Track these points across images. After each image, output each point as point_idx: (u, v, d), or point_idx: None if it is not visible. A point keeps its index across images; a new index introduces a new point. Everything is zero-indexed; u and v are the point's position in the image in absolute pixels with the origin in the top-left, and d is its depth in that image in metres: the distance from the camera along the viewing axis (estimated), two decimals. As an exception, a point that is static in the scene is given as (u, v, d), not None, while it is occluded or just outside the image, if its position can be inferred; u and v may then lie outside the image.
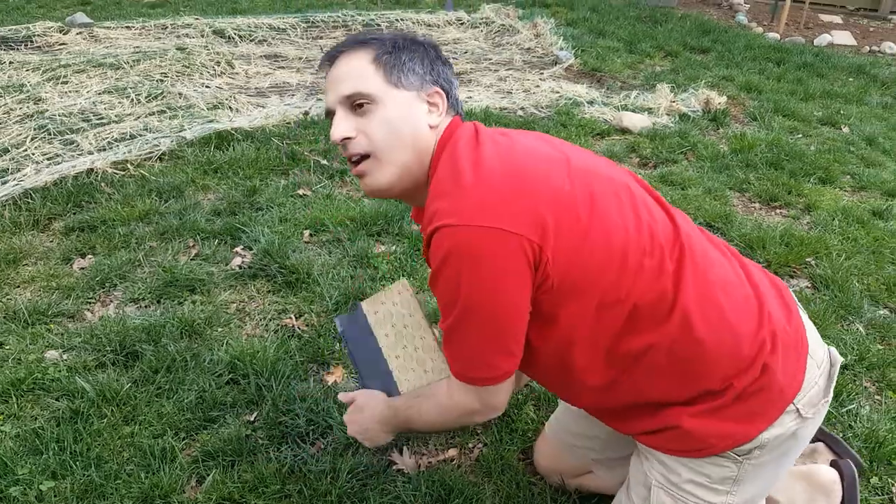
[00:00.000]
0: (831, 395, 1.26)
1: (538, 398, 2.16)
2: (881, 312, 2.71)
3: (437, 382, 1.39)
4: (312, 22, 5.81)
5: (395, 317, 1.46)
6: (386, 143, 1.17)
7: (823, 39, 6.95)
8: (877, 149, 4.30)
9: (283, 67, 4.86)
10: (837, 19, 8.06)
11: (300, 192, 3.25)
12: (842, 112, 4.83)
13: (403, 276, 2.69)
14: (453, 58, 5.33)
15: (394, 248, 2.86)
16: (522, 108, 4.46)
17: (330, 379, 2.19)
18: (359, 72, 1.17)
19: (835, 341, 2.45)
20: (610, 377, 1.21)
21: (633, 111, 4.47)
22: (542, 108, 4.51)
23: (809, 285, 2.83)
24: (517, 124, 4.16)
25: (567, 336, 1.17)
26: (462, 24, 6.19)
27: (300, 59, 5.03)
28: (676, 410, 1.21)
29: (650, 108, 4.55)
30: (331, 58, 1.23)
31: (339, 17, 5.92)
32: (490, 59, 5.36)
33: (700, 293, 1.16)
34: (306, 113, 4.00)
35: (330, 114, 1.22)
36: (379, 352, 1.48)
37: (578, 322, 1.15)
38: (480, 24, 6.21)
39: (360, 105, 1.17)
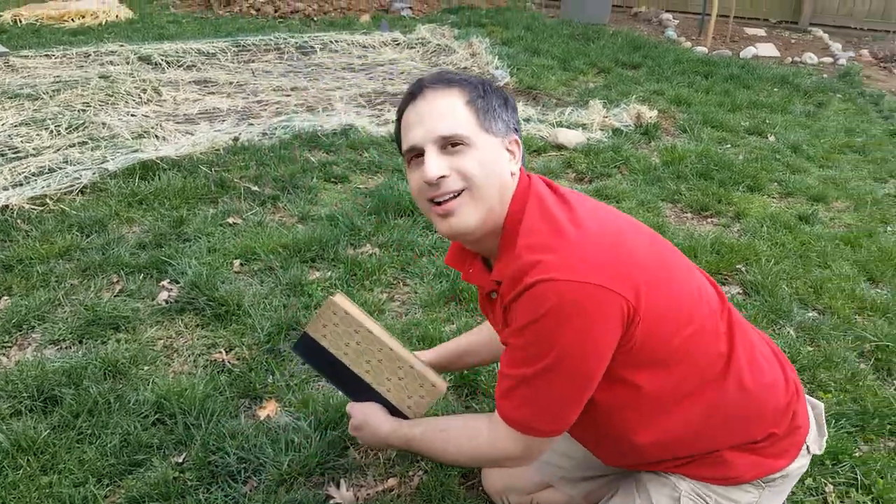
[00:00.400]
0: (826, 434, 1.44)
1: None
2: (810, 315, 2.77)
3: (469, 421, 1.40)
4: (243, 46, 5.72)
5: (344, 336, 1.42)
6: (482, 182, 1.17)
7: (749, 52, 7.20)
8: (801, 155, 4.45)
9: (213, 93, 4.76)
10: (761, 32, 8.38)
11: (230, 220, 3.16)
12: (767, 121, 5.00)
13: (339, 302, 2.63)
14: (389, 78, 5.32)
15: (329, 273, 2.79)
16: (459, 127, 4.46)
17: (262, 414, 2.10)
18: (453, 113, 1.16)
19: (767, 346, 2.49)
20: (664, 436, 1.27)
21: (568, 127, 4.53)
22: (479, 126, 4.51)
23: (741, 291, 2.88)
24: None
25: (631, 394, 1.22)
26: (398, 44, 6.19)
27: (231, 83, 4.93)
28: (718, 452, 1.31)
29: (584, 124, 4.61)
30: (416, 92, 1.20)
31: (270, 40, 5.85)
32: (426, 79, 5.36)
33: (748, 353, 1.28)
34: (236, 139, 3.91)
35: (415, 151, 1.20)
36: (349, 370, 1.45)
37: (646, 382, 1.21)
38: (416, 44, 6.23)
39: (455, 145, 1.16)
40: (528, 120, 4.67)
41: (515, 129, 1.25)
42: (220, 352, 2.37)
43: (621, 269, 1.11)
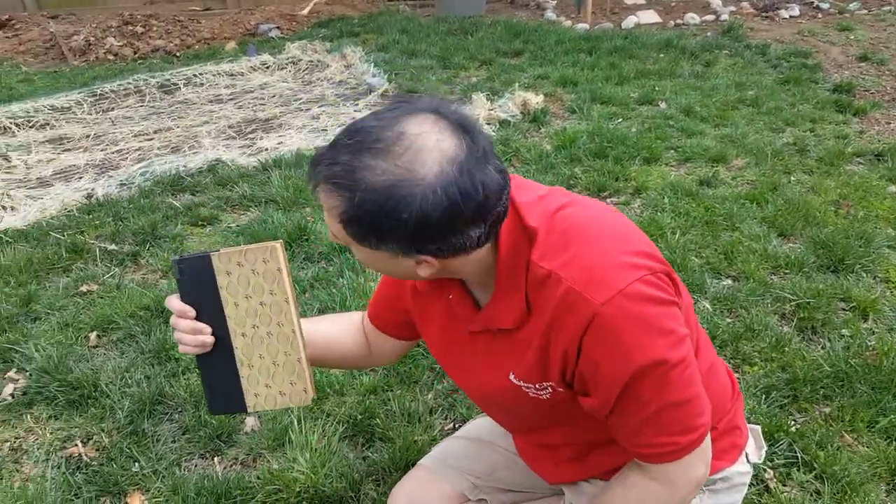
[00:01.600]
0: (764, 447, 1.37)
1: (378, 473, 1.84)
2: (724, 283, 2.62)
3: (617, 481, 1.14)
4: (101, 94, 5.25)
5: (253, 288, 1.08)
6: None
7: (630, 21, 7.13)
8: (695, 118, 4.36)
9: (68, 150, 4.30)
10: (641, 0, 8.42)
11: (83, 288, 2.76)
12: (657, 88, 4.91)
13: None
14: (260, 104, 4.98)
15: (199, 331, 2.45)
16: (342, 144, 4.17)
17: (126, 512, 1.78)
18: (330, 223, 0.93)
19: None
20: None
21: (456, 125, 4.30)
22: (363, 139, 4.23)
23: (651, 270, 2.70)
24: (337, 161, 3.86)
25: None
26: (268, 67, 5.84)
27: (88, 136, 4.48)
28: None
29: (472, 120, 4.40)
30: (313, 189, 0.93)
31: (130, 83, 5.40)
32: (300, 99, 5.05)
33: (702, 351, 1.19)
34: (89, 195, 3.50)
35: None
36: (222, 324, 1.11)
37: None
38: (287, 64, 5.90)
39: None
40: (414, 125, 4.43)
41: (422, 251, 0.91)
42: (76, 444, 2.03)
43: (647, 245, 1.02)
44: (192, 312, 1.09)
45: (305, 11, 7.86)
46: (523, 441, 1.37)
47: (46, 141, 4.49)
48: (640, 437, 1.02)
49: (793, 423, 1.97)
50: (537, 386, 1.07)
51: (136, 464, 1.92)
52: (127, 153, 4.19)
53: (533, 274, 0.98)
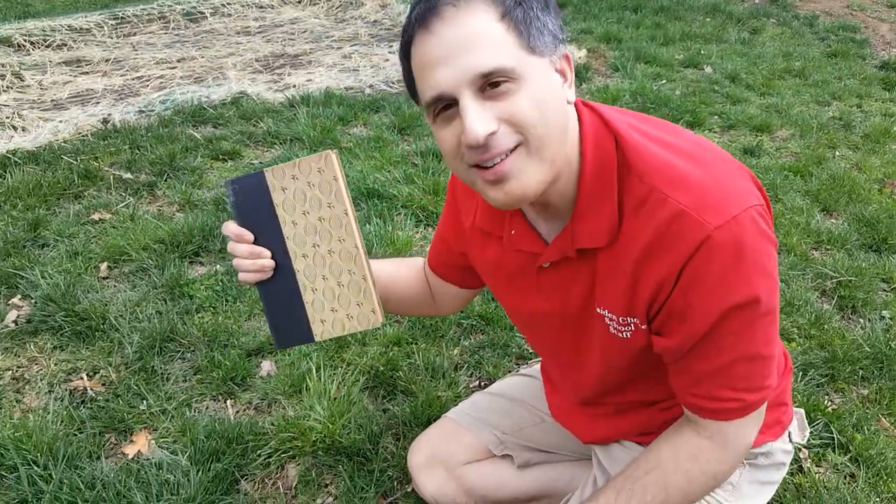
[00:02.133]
0: (808, 430, 1.27)
1: (398, 426, 1.75)
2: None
3: (666, 440, 1.03)
4: (122, 18, 5.09)
5: (310, 202, 1.00)
6: (541, 129, 0.82)
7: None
8: (740, 84, 4.21)
9: (86, 73, 4.16)
10: (684, -36, 8.08)
11: (95, 216, 2.66)
12: (702, 52, 4.72)
13: (227, 300, 2.20)
14: (290, 38, 4.80)
15: (216, 268, 2.35)
16: (371, 86, 4.02)
17: (131, 451, 1.71)
18: (487, 37, 0.79)
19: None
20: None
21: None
22: (393, 83, 4.08)
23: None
24: (366, 104, 3.71)
25: None
26: (300, 1, 5.64)
27: (107, 60, 4.34)
28: None
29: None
30: (428, 14, 0.81)
31: (153, 8, 5.22)
32: (332, 37, 4.86)
33: None
34: (105, 120, 3.37)
35: (443, 101, 0.83)
36: (281, 242, 1.03)
37: None
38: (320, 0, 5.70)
39: (496, 84, 0.80)
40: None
41: (563, 40, 0.88)
42: (82, 377, 1.94)
43: (747, 177, 0.90)
44: (250, 236, 1.01)
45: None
46: (561, 398, 1.29)
47: (63, 62, 4.35)
48: (704, 388, 0.94)
49: (829, 403, 1.87)
50: (620, 320, 0.96)
51: (144, 402, 1.83)
52: (148, 80, 4.05)
53: (629, 189, 0.88)
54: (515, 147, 0.83)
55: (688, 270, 0.85)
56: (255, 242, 1.01)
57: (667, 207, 0.84)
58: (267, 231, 1.01)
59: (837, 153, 3.37)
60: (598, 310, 0.97)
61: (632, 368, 1.04)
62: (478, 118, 0.79)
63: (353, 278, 1.02)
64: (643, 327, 0.95)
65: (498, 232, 1.05)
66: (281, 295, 1.05)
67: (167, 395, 1.85)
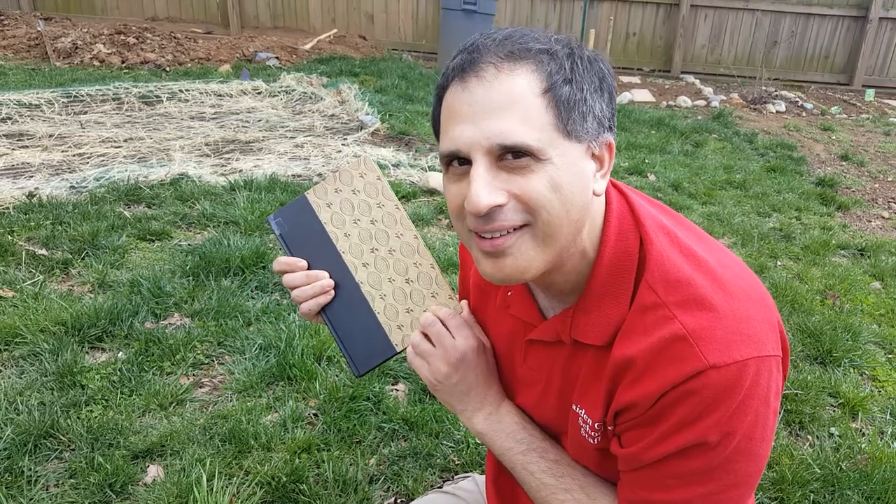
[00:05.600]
0: None
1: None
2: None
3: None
4: (76, 97, 5.03)
5: (359, 209, 0.97)
6: (553, 215, 0.77)
7: (625, 97, 7.24)
8: (683, 193, 4.30)
9: (26, 147, 4.04)
10: (636, 80, 8.52)
11: (-4, 293, 2.46)
12: (647, 161, 4.84)
13: (123, 392, 1.99)
14: (243, 126, 4.78)
15: (119, 355, 2.16)
16: (320, 175, 3.97)
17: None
18: (523, 108, 0.74)
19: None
20: None
21: (440, 171, 4.14)
22: (341, 173, 4.04)
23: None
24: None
25: None
26: (259, 92, 5.68)
27: (51, 136, 4.22)
28: None
29: (458, 167, 4.24)
30: (469, 65, 0.76)
31: (110, 89, 5.18)
32: (287, 127, 4.86)
33: None
34: (31, 194, 3.21)
35: (456, 158, 0.78)
36: (338, 259, 0.97)
37: None
38: (280, 92, 5.74)
39: (519, 155, 0.75)
40: (397, 165, 4.27)
41: (610, 126, 0.81)
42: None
43: (770, 324, 0.79)
44: (304, 263, 0.97)
45: (308, 46, 7.78)
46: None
47: (3, 135, 4.22)
48: None
49: (780, 534, 1.72)
50: (595, 426, 0.86)
51: (6, 508, 1.60)
52: (89, 157, 3.93)
53: (639, 295, 0.79)
54: (522, 226, 0.77)
55: (666, 399, 0.76)
56: (310, 268, 0.97)
57: (669, 327, 0.76)
58: (321, 253, 0.97)
59: (779, 263, 3.40)
60: (575, 407, 0.89)
61: (600, 467, 0.93)
62: (485, 187, 0.74)
63: (421, 270, 0.97)
64: (609, 431, 0.87)
65: (495, 290, 0.96)
66: (349, 314, 0.98)
67: (30, 502, 1.62)
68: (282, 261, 0.97)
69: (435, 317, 0.94)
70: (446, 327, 0.93)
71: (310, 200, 0.97)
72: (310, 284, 0.96)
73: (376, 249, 0.97)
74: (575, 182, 0.77)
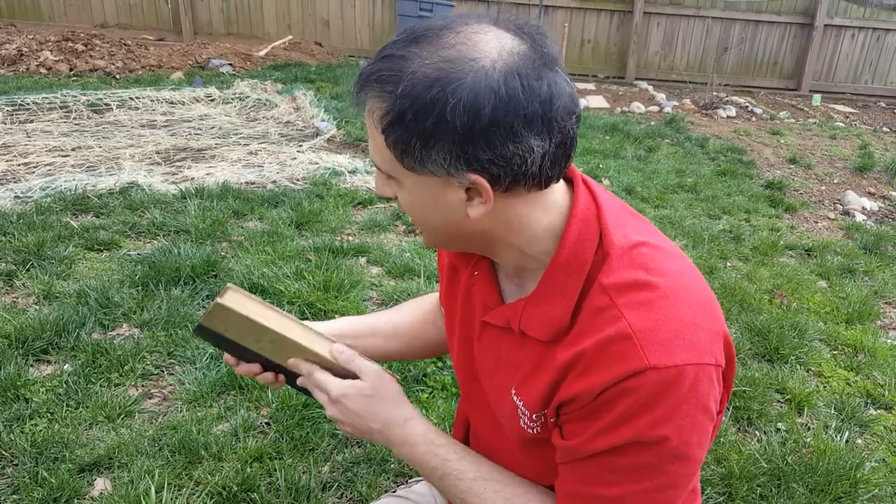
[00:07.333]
0: None
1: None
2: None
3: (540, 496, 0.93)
4: (21, 105, 4.89)
5: (249, 335, 0.98)
6: (420, 224, 0.86)
7: (581, 104, 7.31)
8: (636, 197, 4.38)
9: (-33, 156, 3.91)
10: (591, 86, 8.66)
11: (-65, 308, 2.38)
12: (601, 166, 4.92)
13: (69, 405, 1.94)
14: (196, 133, 4.71)
15: (64, 367, 2.10)
16: (274, 182, 3.93)
17: None
18: (374, 137, 0.79)
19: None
20: None
21: (397, 177, 4.14)
22: (297, 180, 4.02)
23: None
24: (265, 199, 3.61)
25: None
26: (212, 100, 5.60)
27: (-6, 145, 4.11)
28: None
29: (414, 173, 4.25)
30: (357, 97, 0.80)
31: (57, 97, 5.05)
32: (241, 134, 4.81)
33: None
34: (-28, 205, 3.12)
35: None
36: (256, 353, 1.01)
37: None
38: (233, 99, 5.67)
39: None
40: (353, 172, 4.26)
41: (473, 166, 0.75)
42: None
43: (718, 331, 0.82)
44: (236, 362, 1.05)
45: (262, 53, 7.70)
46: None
47: (-58, 146, 4.08)
48: None
49: (727, 529, 1.77)
50: (533, 417, 0.87)
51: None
52: (35, 167, 3.83)
53: (592, 296, 0.81)
54: None
55: (607, 395, 0.78)
56: (245, 359, 1.03)
57: (616, 325, 0.78)
58: (245, 354, 1.02)
59: (729, 263, 3.49)
60: (514, 396, 0.90)
61: (535, 457, 0.94)
62: (377, 184, 0.86)
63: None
64: (551, 422, 0.87)
65: (464, 268, 0.99)
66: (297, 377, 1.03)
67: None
68: (226, 359, 1.06)
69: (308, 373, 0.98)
70: (319, 381, 0.97)
71: (209, 326, 0.96)
72: (260, 375, 1.04)
73: (286, 355, 0.99)
74: (432, 206, 0.81)
